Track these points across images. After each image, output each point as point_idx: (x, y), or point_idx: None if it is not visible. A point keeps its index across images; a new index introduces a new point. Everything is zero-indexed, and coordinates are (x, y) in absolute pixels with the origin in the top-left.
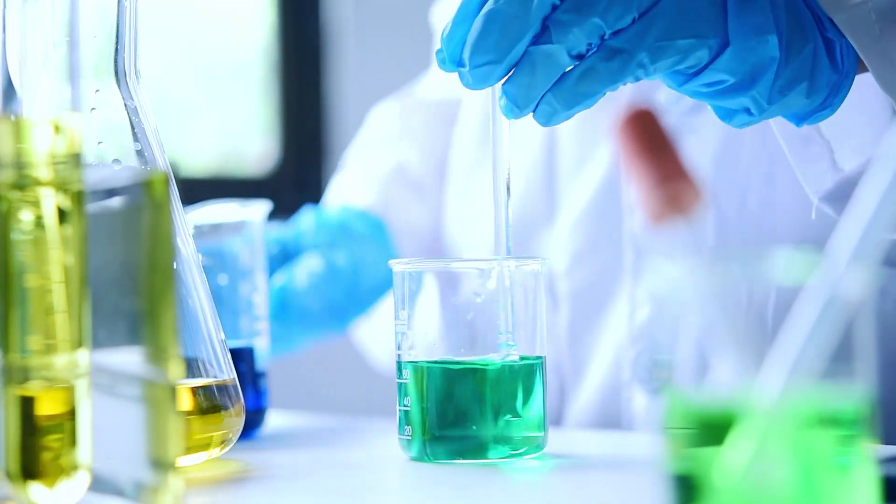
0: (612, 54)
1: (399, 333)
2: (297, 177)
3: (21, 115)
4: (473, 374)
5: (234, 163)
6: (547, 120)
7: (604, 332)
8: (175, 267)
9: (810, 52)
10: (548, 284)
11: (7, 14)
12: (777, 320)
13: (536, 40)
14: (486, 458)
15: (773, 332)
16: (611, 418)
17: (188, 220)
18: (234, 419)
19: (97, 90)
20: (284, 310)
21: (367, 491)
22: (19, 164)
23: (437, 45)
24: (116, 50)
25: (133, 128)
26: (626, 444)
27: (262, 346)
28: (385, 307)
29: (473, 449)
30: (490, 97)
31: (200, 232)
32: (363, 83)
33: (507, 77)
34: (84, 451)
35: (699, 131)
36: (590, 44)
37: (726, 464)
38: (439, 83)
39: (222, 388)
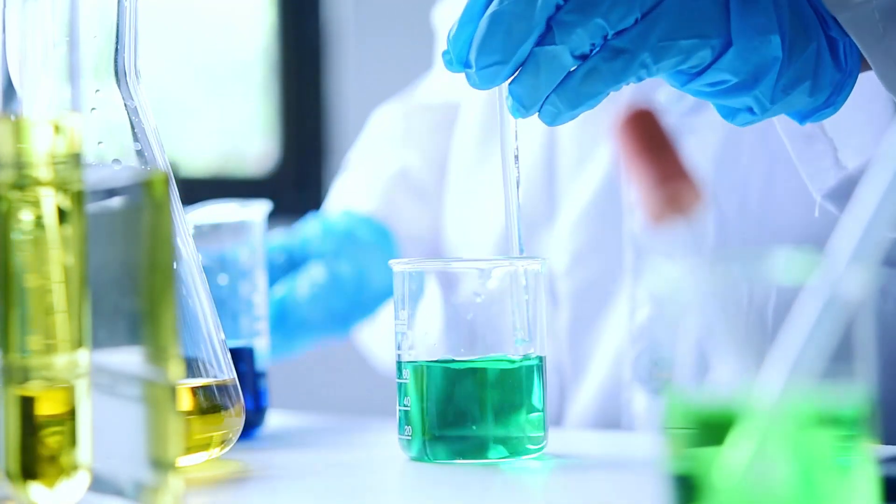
0: (615, 54)
1: (399, 333)
2: (297, 177)
3: (21, 115)
4: (473, 374)
5: (234, 163)
6: (552, 120)
7: (604, 332)
8: (175, 267)
9: (813, 51)
10: (548, 284)
11: (7, 14)
12: (777, 320)
13: (541, 41)
14: (486, 458)
15: (773, 333)
16: (611, 418)
17: (188, 220)
18: (234, 419)
19: (97, 90)
20: (284, 320)
21: (367, 491)
22: (19, 164)
23: (443, 45)
24: (116, 50)
25: (133, 128)
26: (626, 444)
27: (262, 346)
28: (388, 310)
29: (473, 449)
30: (497, 96)
31: (200, 232)
32: (363, 83)
33: (513, 77)
34: (84, 451)
35: (699, 131)
36: (593, 44)
37: (726, 464)
38: (441, 86)
39: (222, 388)
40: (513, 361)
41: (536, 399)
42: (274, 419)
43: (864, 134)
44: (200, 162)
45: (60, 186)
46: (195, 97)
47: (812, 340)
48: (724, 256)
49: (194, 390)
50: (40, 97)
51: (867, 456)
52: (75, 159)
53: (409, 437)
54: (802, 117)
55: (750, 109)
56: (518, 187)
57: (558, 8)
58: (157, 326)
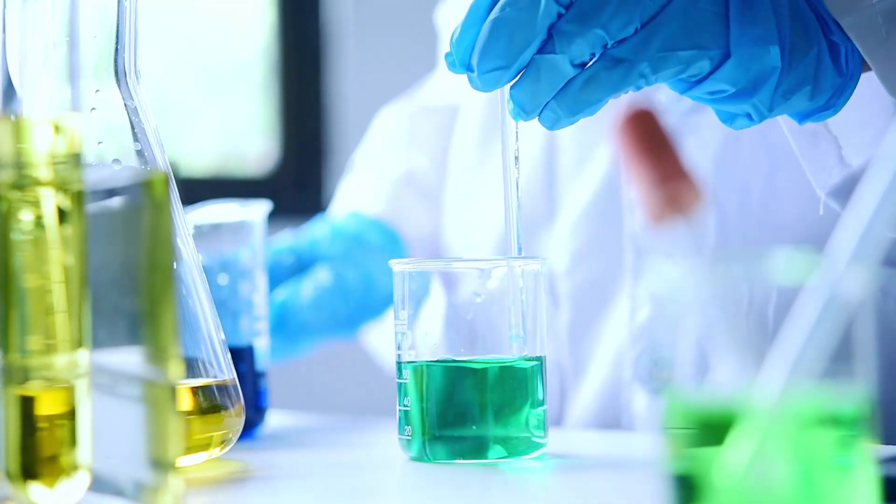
0: (615, 64)
1: (399, 333)
2: (297, 177)
3: (21, 115)
4: (473, 374)
5: (234, 163)
6: (552, 125)
7: (604, 332)
8: (175, 267)
9: (814, 57)
10: (548, 284)
11: (7, 14)
12: (778, 320)
13: (542, 48)
14: (486, 458)
15: (773, 333)
16: (611, 418)
17: (188, 220)
18: (234, 419)
19: (97, 90)
20: (284, 324)
21: (367, 491)
22: (19, 164)
23: (446, 47)
24: (116, 50)
25: (133, 128)
26: (626, 444)
27: (262, 346)
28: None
29: (473, 449)
30: (499, 98)
31: (200, 232)
32: (363, 83)
33: (515, 80)
34: (84, 451)
35: (699, 131)
36: (593, 53)
37: (726, 464)
38: (446, 87)
39: (222, 388)
40: (513, 361)
41: (536, 399)
42: (274, 419)
43: (869, 131)
44: (200, 162)
45: (60, 186)
46: (195, 97)
47: (812, 340)
48: (724, 256)
49: (194, 390)
50: (40, 97)
51: (867, 456)
52: (75, 159)
53: (409, 437)
54: (802, 117)
55: (748, 115)
56: (518, 189)
57: (560, 16)
58: (157, 326)
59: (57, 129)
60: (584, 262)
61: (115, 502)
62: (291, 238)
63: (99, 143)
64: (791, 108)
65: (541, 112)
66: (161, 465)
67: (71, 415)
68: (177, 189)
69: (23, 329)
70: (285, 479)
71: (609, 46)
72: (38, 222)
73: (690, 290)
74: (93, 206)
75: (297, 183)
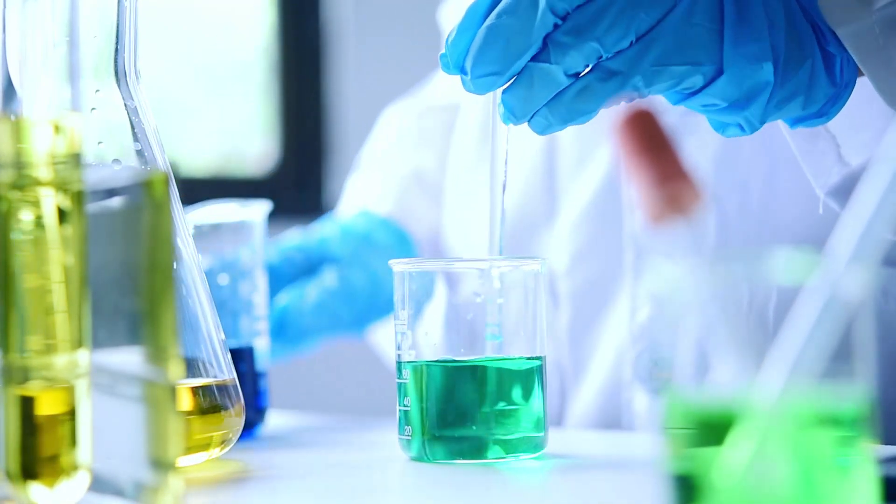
0: (609, 76)
1: (399, 333)
2: (297, 177)
3: (21, 115)
4: (473, 374)
5: (234, 163)
6: (542, 130)
7: (604, 332)
8: (175, 267)
9: (808, 69)
10: (548, 284)
11: (7, 14)
12: (778, 320)
13: (537, 56)
14: (486, 458)
15: (773, 333)
16: (612, 418)
17: (188, 220)
18: (234, 419)
19: (97, 90)
20: (284, 330)
21: (367, 491)
22: (19, 164)
23: (443, 48)
24: (116, 50)
25: (133, 128)
26: (626, 444)
27: (262, 346)
28: None
29: (473, 449)
30: (490, 100)
31: (200, 232)
32: (363, 83)
33: (507, 84)
34: (84, 451)
35: (699, 131)
36: (587, 63)
37: (726, 464)
38: (450, 86)
39: (222, 388)
40: (513, 361)
41: (536, 399)
42: (274, 419)
43: (868, 131)
44: (200, 162)
45: (60, 186)
46: (195, 97)
47: (812, 340)
48: (724, 256)
49: (194, 390)
50: (40, 97)
51: (867, 456)
52: (75, 159)
53: (409, 437)
54: (794, 122)
55: (740, 126)
56: (504, 191)
57: (556, 26)
58: (157, 326)
59: (57, 129)
60: (584, 262)
61: (115, 502)
62: (300, 236)
63: (99, 143)
64: (783, 116)
65: (532, 117)
66: (161, 465)
67: (71, 415)
68: (177, 189)
69: (23, 329)
70: (285, 479)
71: (604, 58)
72: (38, 222)
73: (690, 290)
74: (93, 206)
75: (297, 183)
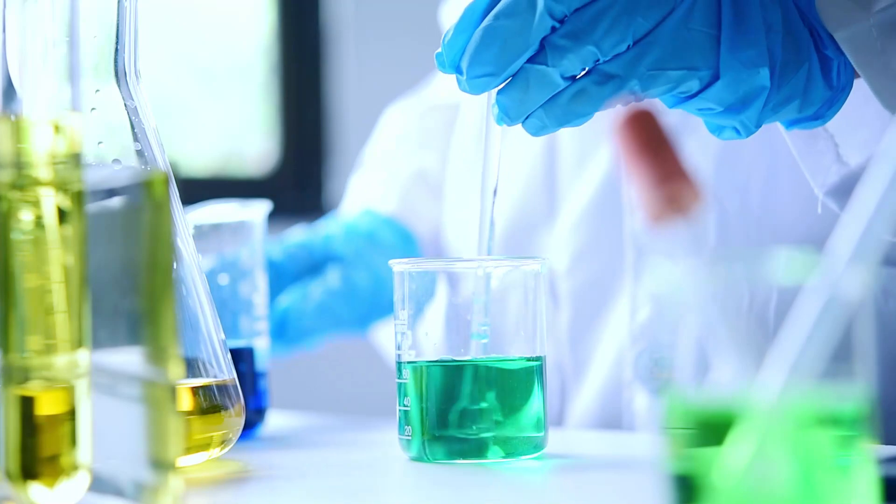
0: (605, 79)
1: (399, 333)
2: (297, 177)
3: (21, 115)
4: (473, 374)
5: (234, 163)
6: (537, 132)
7: (605, 332)
8: (175, 267)
9: (804, 74)
10: (548, 284)
11: (7, 14)
12: (778, 320)
13: (533, 58)
14: (486, 458)
15: (773, 333)
16: (612, 418)
17: (188, 220)
18: (234, 419)
19: (97, 90)
20: (285, 331)
21: (367, 491)
22: (19, 164)
23: (440, 48)
24: (116, 50)
25: (133, 128)
26: (626, 444)
27: (262, 346)
28: None
29: (473, 449)
30: (485, 100)
31: (200, 232)
32: (363, 83)
33: (502, 85)
34: (84, 451)
35: (699, 131)
36: (584, 66)
37: (726, 464)
38: (452, 86)
39: (222, 388)
40: (513, 361)
41: (536, 399)
42: (274, 419)
43: (867, 130)
44: (200, 162)
45: (60, 186)
46: (195, 97)
47: (812, 340)
48: (724, 256)
49: (194, 390)
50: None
51: (867, 456)
52: (75, 159)
53: (409, 438)
54: (790, 124)
55: (736, 129)
56: (495, 193)
57: (553, 29)
58: (157, 326)
59: (57, 129)
60: (585, 262)
61: (115, 502)
62: (304, 234)
63: (99, 143)
64: (780, 119)
65: (527, 119)
66: (161, 465)
67: (71, 415)
68: (177, 189)
69: (23, 329)
70: (285, 479)
71: (600, 62)
72: (38, 222)
73: (690, 290)
74: (93, 206)
75: (297, 183)
